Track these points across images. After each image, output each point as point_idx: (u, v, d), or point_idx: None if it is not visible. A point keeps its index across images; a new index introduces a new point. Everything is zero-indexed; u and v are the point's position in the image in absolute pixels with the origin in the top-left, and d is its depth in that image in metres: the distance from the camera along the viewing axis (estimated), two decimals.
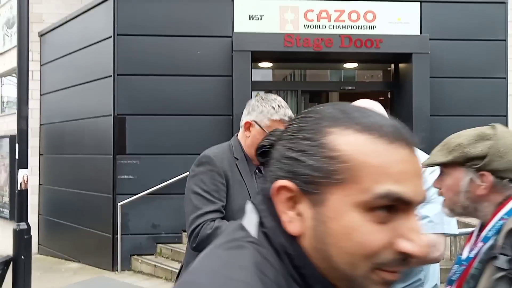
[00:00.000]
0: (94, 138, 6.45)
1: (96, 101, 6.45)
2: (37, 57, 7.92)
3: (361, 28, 6.37)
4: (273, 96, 1.79)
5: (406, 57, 6.39)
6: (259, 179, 1.79)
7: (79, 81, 6.85)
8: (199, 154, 1.84)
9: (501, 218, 1.11)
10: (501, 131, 1.16)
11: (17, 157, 4.25)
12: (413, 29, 6.43)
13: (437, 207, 1.37)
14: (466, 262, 1.18)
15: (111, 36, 6.22)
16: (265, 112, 1.72)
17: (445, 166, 1.19)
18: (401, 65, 6.74)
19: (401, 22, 6.40)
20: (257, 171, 1.81)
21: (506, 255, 1.05)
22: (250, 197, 1.70)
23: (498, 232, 1.11)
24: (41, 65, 7.89)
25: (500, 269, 1.05)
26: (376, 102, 1.60)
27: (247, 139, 1.77)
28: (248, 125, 1.76)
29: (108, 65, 6.22)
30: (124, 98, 6.16)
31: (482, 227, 1.20)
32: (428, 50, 6.25)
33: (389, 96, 7.19)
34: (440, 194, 1.23)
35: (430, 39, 6.29)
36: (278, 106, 1.73)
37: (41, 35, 7.89)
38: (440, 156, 1.19)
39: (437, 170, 1.26)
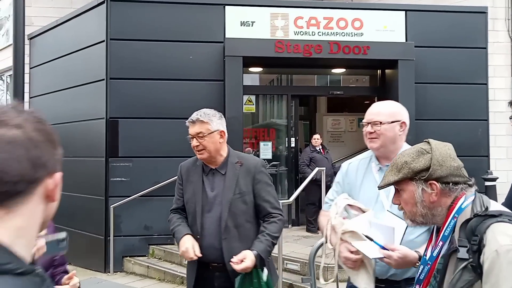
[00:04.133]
0: (87, 141, 6.48)
1: (89, 104, 6.49)
2: (26, 60, 7.89)
3: (349, 35, 6.58)
4: None
5: (392, 63, 6.62)
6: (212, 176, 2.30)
7: (71, 84, 6.87)
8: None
9: (453, 217, 1.27)
10: (435, 144, 1.33)
11: None
12: (399, 36, 6.67)
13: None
14: (431, 261, 1.32)
15: (104, 40, 6.28)
16: None
17: (398, 184, 1.34)
18: (387, 71, 6.97)
19: (387, 30, 6.63)
20: (213, 171, 2.27)
21: (465, 246, 1.19)
22: (192, 189, 2.29)
23: (453, 229, 1.27)
24: (30, 68, 7.87)
25: (462, 259, 1.18)
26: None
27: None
28: None
29: (101, 69, 6.28)
30: (117, 102, 6.22)
31: (438, 230, 1.35)
32: (413, 57, 6.50)
33: (375, 101, 7.40)
34: (400, 209, 1.38)
35: (415, 46, 6.53)
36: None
37: (30, 38, 7.87)
38: (392, 176, 1.34)
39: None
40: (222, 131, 2.24)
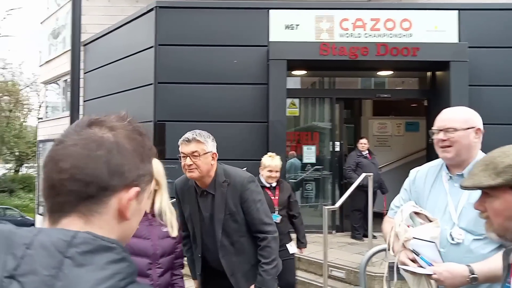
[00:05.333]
0: None
1: (138, 108, 6.72)
2: (80, 66, 8.33)
3: (397, 37, 6.38)
4: None
5: (444, 65, 6.34)
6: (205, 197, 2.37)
7: (121, 88, 7.16)
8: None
9: None
10: None
11: None
12: (451, 37, 6.38)
13: None
14: None
15: (152, 46, 6.49)
16: None
17: (492, 189, 1.06)
18: (438, 73, 6.68)
19: (438, 30, 6.37)
20: (205, 192, 2.35)
21: None
22: (188, 210, 2.40)
23: None
24: (84, 73, 8.28)
25: None
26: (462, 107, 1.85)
27: None
28: None
29: (150, 73, 6.49)
30: (164, 105, 6.40)
31: None
32: (467, 58, 6.19)
33: (425, 104, 7.13)
34: (485, 217, 1.11)
35: (469, 47, 6.22)
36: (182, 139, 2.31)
37: (84, 44, 8.29)
38: (487, 178, 1.05)
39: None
40: (215, 153, 2.32)
